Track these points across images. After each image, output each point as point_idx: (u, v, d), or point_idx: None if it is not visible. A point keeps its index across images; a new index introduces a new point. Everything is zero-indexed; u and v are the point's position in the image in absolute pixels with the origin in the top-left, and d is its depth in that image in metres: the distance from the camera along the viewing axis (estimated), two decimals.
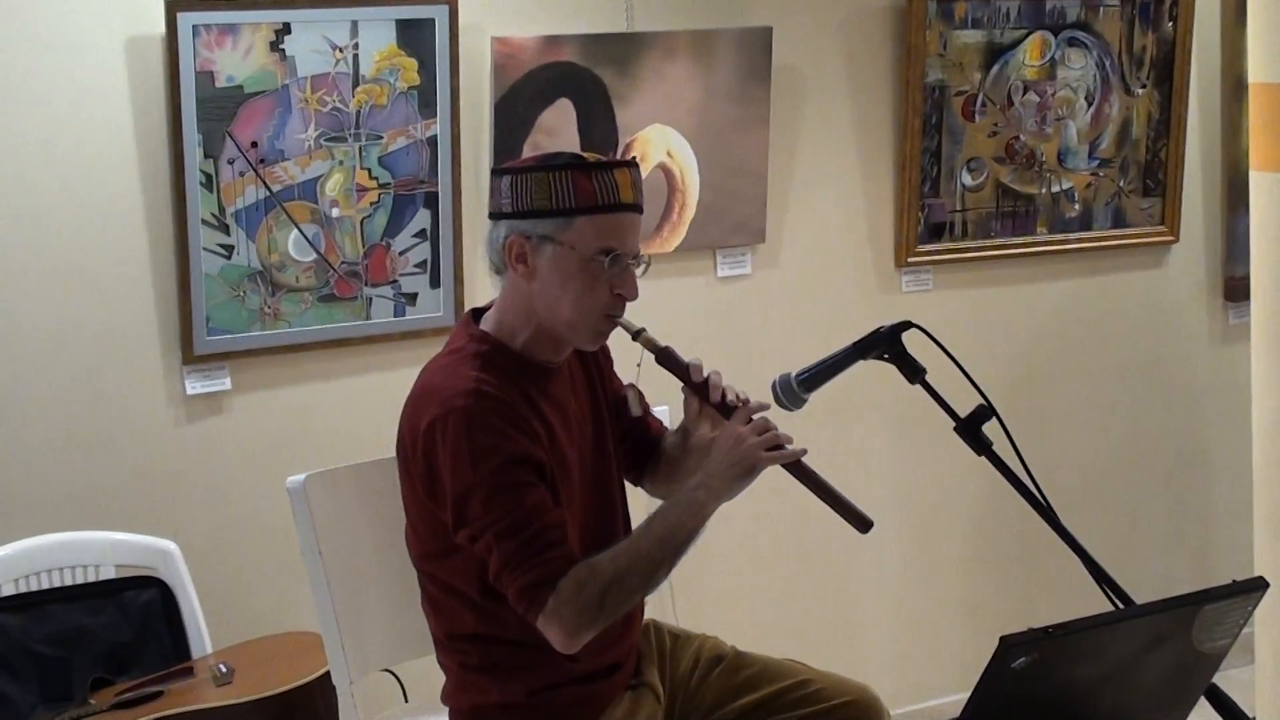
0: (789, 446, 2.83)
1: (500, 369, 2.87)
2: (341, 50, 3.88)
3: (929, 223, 4.73)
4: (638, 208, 2.90)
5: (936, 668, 5.01)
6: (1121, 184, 4.99)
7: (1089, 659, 2.25)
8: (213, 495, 3.97)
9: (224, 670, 3.57)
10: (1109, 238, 5.01)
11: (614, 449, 3.08)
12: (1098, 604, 5.11)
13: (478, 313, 3.02)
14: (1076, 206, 4.94)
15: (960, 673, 5.02)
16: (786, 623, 4.74)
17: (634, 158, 3.00)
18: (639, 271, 2.92)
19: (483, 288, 4.15)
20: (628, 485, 3.15)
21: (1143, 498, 5.24)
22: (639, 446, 3.14)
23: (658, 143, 4.29)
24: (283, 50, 3.82)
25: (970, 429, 2.75)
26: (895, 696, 4.79)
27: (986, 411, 2.75)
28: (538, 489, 2.79)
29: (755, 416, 2.85)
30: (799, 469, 2.85)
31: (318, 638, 3.62)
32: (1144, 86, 4.95)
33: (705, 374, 2.94)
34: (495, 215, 2.92)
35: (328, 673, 3.34)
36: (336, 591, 3.09)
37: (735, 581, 4.63)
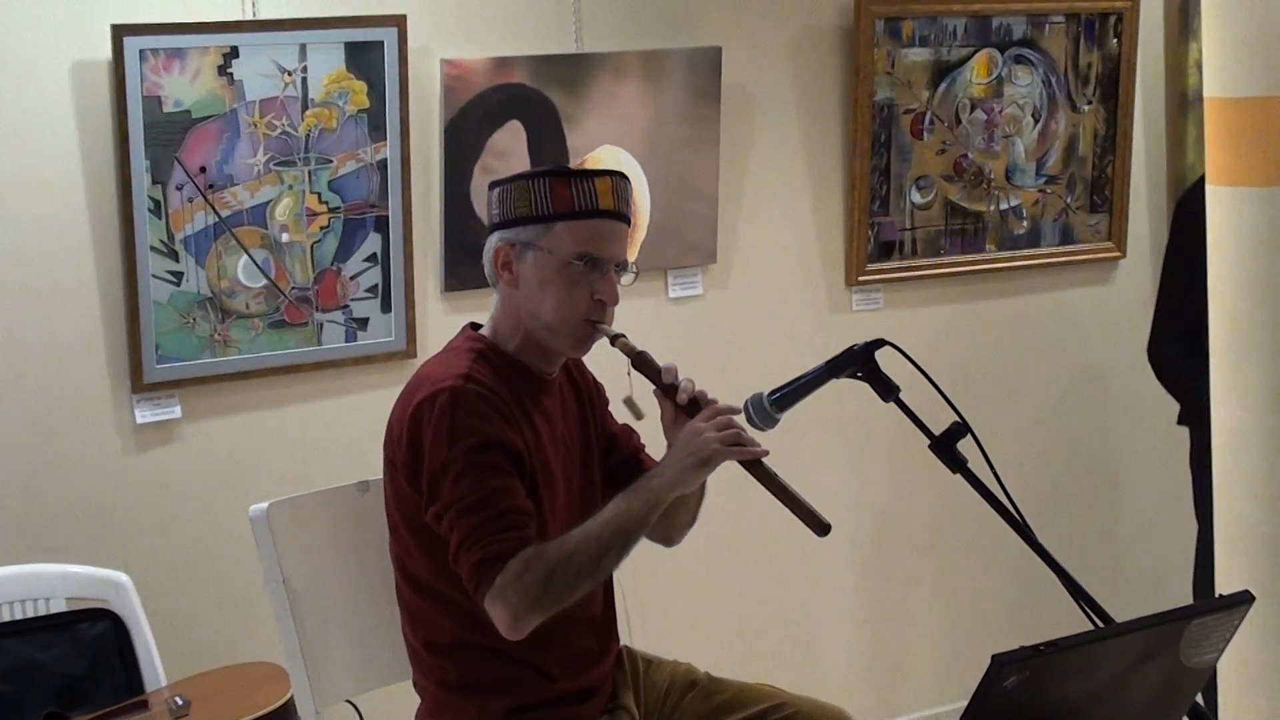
0: (749, 446, 2.84)
1: (494, 367, 2.92)
2: (290, 74, 3.85)
3: (879, 241, 4.74)
4: (619, 215, 2.95)
5: (895, 684, 5.00)
6: (1069, 200, 5.01)
7: (1079, 676, 2.25)
8: (165, 525, 3.92)
9: (180, 703, 3.51)
10: (1057, 254, 5.03)
11: (600, 482, 3.09)
12: (1050, 615, 5.15)
13: (476, 325, 3.08)
14: (1024, 223, 4.96)
15: (918, 688, 5.04)
16: (744, 643, 4.72)
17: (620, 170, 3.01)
18: (626, 280, 2.98)
19: (434, 312, 4.13)
20: None
21: (1090, 510, 5.26)
22: (630, 481, 3.11)
23: (608, 163, 4.27)
24: (230, 74, 3.78)
25: (945, 446, 2.74)
26: (856, 714, 4.78)
27: (961, 429, 2.74)
28: (510, 476, 2.81)
29: (722, 416, 2.86)
30: (759, 469, 2.86)
31: (275, 668, 3.59)
32: (1090, 103, 4.97)
33: (679, 379, 2.96)
34: (488, 228, 2.99)
35: (286, 704, 3.30)
36: (301, 621, 3.04)
37: (690, 601, 4.61)
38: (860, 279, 4.73)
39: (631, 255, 4.34)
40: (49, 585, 3.72)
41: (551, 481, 2.95)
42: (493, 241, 2.96)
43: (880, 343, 2.89)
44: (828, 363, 2.93)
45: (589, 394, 3.15)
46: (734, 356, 4.58)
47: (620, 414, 3.16)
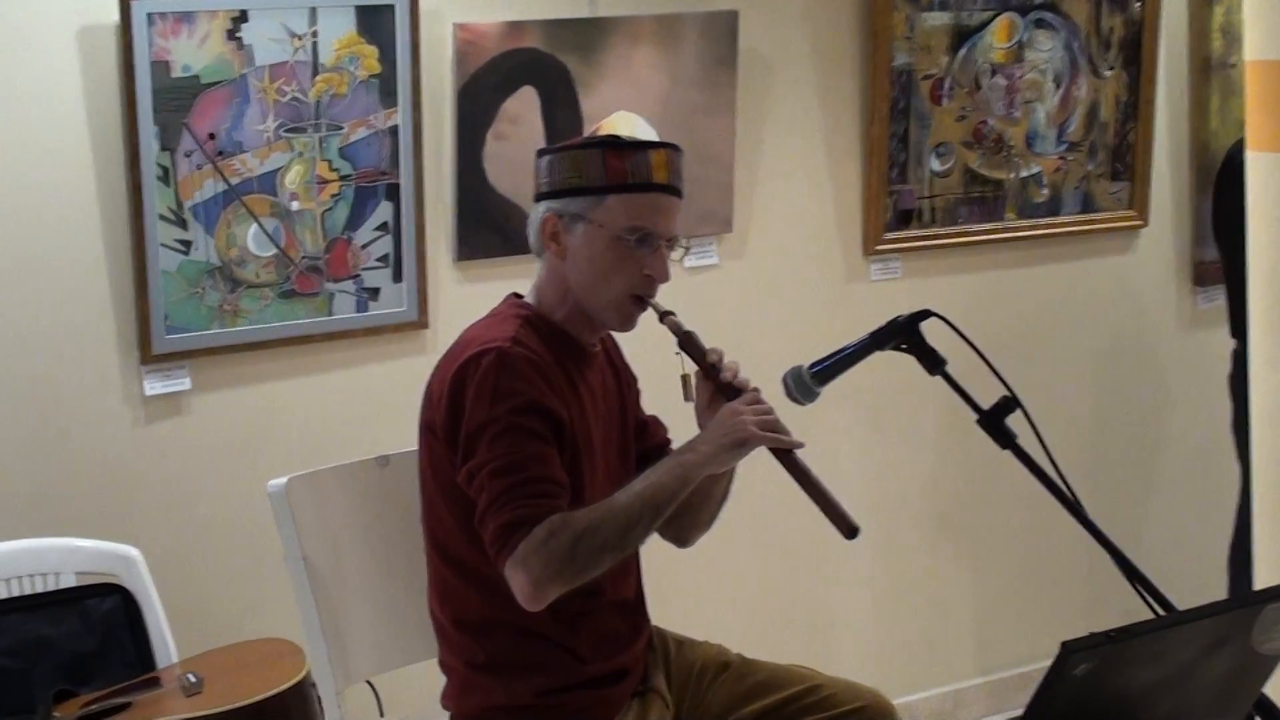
0: (786, 436, 2.77)
1: (540, 335, 2.87)
2: (300, 38, 3.77)
3: (897, 210, 4.66)
4: (673, 189, 2.88)
5: (910, 662, 4.95)
6: (1090, 168, 4.94)
7: (1148, 663, 2.17)
8: (175, 499, 3.85)
9: (193, 680, 3.44)
10: (1078, 223, 4.96)
11: (634, 459, 3.03)
12: (1068, 593, 5.11)
13: (518, 295, 3.02)
14: (1045, 191, 4.88)
15: (934, 667, 4.98)
16: (764, 622, 4.66)
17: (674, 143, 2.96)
18: (677, 255, 2.93)
19: (447, 282, 4.07)
20: None
21: (1109, 483, 5.20)
22: None
23: (623, 130, 4.18)
24: (240, 39, 3.70)
25: (994, 422, 2.67)
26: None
27: (1010, 403, 2.66)
28: (548, 444, 2.75)
29: (762, 402, 2.81)
30: (791, 461, 2.79)
31: (288, 644, 3.51)
32: (1112, 69, 4.90)
33: (723, 358, 2.90)
34: (536, 197, 2.93)
35: (302, 680, 3.23)
36: (322, 599, 2.98)
37: (708, 580, 4.54)
38: (878, 248, 4.66)
39: None
40: (58, 560, 3.65)
41: (593, 455, 2.89)
42: (539, 211, 2.90)
43: (926, 314, 2.81)
44: (871, 334, 2.86)
45: (625, 375, 3.10)
46: (750, 327, 4.51)
47: (656, 402, 3.08)
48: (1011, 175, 4.81)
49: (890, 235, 4.66)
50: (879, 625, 4.89)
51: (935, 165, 4.69)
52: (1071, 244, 4.99)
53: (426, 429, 2.86)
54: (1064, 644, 2.06)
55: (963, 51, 4.65)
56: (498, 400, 2.73)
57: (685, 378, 2.95)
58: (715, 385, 2.88)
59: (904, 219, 4.68)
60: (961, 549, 4.99)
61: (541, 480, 2.71)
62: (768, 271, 4.55)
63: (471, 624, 2.86)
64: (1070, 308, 5.05)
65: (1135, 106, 4.95)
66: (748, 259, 4.52)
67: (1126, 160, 4.98)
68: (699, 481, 2.84)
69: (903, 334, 2.81)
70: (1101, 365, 5.14)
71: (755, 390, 2.86)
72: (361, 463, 3.10)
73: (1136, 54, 4.91)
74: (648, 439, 3.10)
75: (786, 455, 2.79)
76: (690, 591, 4.50)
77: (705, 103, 4.31)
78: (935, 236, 4.73)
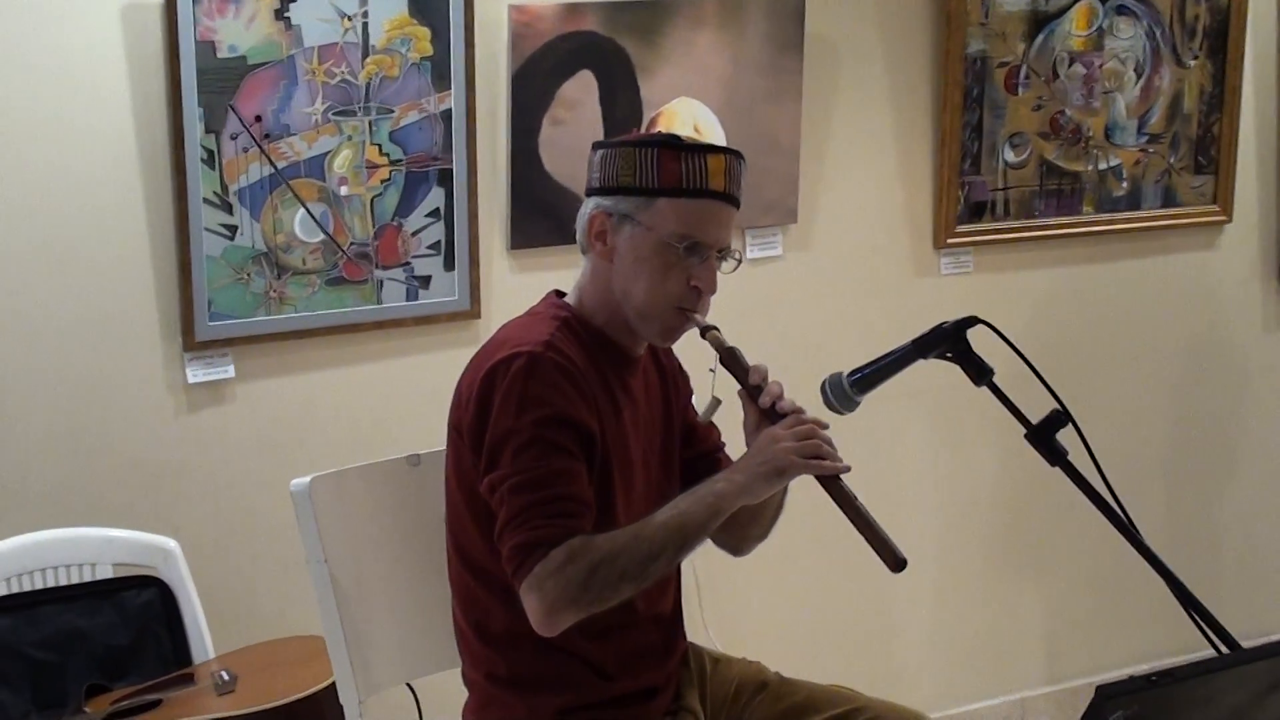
0: (830, 461, 2.61)
1: (578, 339, 2.73)
2: (350, 19, 3.67)
3: (969, 202, 4.51)
4: (729, 198, 2.72)
5: (977, 670, 4.81)
6: (1172, 161, 4.77)
7: (1195, 709, 2.01)
8: (215, 490, 3.77)
9: (226, 677, 3.37)
10: (1158, 217, 4.80)
11: (678, 468, 2.89)
12: (1140, 602, 4.95)
13: (559, 293, 2.89)
14: (1124, 184, 4.72)
15: (1000, 675, 4.84)
16: (818, 626, 4.55)
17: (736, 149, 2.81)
18: (728, 268, 2.76)
19: (499, 271, 3.96)
20: None
21: (1187, 489, 5.03)
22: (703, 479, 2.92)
23: (684, 117, 4.08)
24: (288, 18, 3.61)
25: (1043, 437, 2.52)
26: (933, 700, 4.61)
27: (1061, 418, 2.51)
28: (575, 460, 2.61)
29: (805, 425, 2.64)
30: (836, 488, 2.63)
31: (325, 643, 3.43)
32: (1196, 57, 4.73)
33: (767, 380, 2.73)
34: (587, 191, 2.79)
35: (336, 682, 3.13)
36: (344, 603, 2.86)
37: (761, 586, 4.42)
38: (949, 241, 4.51)
39: None
40: (95, 550, 3.60)
41: (630, 469, 2.75)
42: (589, 207, 2.76)
43: (972, 320, 2.65)
44: (914, 341, 2.70)
45: (674, 377, 2.94)
46: (813, 322, 4.39)
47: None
48: (1089, 167, 4.66)
49: (962, 228, 4.52)
50: (944, 631, 4.75)
51: (1009, 156, 4.53)
52: (1151, 240, 4.83)
53: (454, 430, 2.74)
54: (1099, 689, 1.91)
55: (1040, 39, 4.50)
56: (525, 409, 2.59)
57: (715, 401, 2.80)
58: (757, 408, 2.73)
59: (976, 211, 4.53)
60: (1030, 554, 4.84)
61: (564, 499, 2.57)
62: (833, 265, 4.42)
63: (493, 635, 2.73)
64: (1149, 306, 4.90)
65: (1220, 97, 4.79)
66: (813, 251, 4.39)
67: (1210, 153, 4.82)
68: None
69: (948, 342, 2.65)
70: (1181, 366, 4.98)
71: (799, 412, 2.69)
72: (390, 462, 2.97)
73: (1222, 42, 4.75)
74: (696, 445, 2.96)
75: (831, 482, 2.63)
76: (751, 600, 4.40)
77: (770, 89, 4.18)
78: (1008, 230, 4.58)
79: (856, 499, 2.61)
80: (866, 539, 2.60)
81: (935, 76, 4.44)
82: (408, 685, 3.26)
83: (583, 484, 2.61)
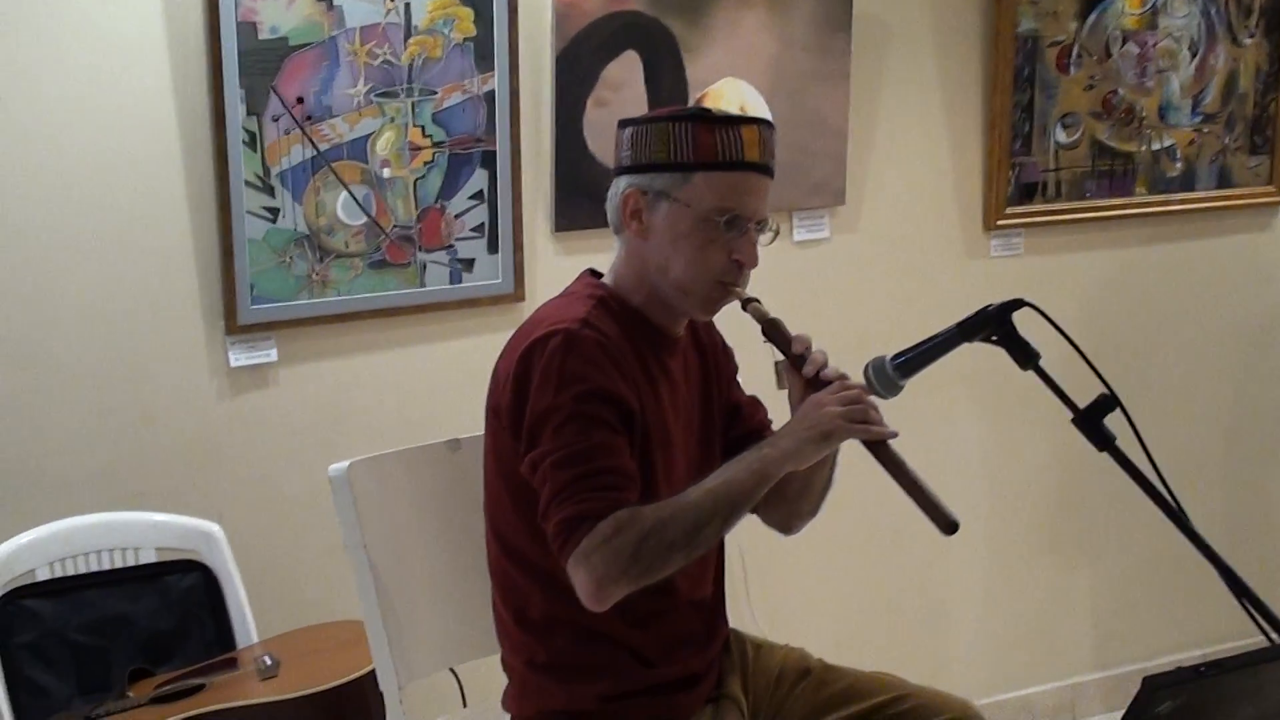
0: (877, 425, 2.57)
1: (616, 318, 2.69)
2: None
3: (1020, 183, 4.46)
4: (765, 169, 2.68)
5: (1028, 655, 4.76)
6: (1227, 141, 4.70)
7: (1245, 700, 1.97)
8: (258, 473, 3.75)
9: (270, 662, 3.35)
10: (1213, 198, 4.73)
11: (719, 450, 2.84)
12: (1193, 588, 4.88)
13: (594, 273, 2.85)
14: (1178, 165, 4.65)
15: (1051, 661, 4.79)
16: (866, 612, 4.51)
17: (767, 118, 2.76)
18: (766, 239, 2.72)
19: (544, 253, 3.93)
20: None
21: (1244, 472, 4.96)
22: None
23: (730, 98, 4.02)
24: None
25: (1091, 421, 2.46)
26: (984, 686, 4.56)
27: (1109, 402, 2.45)
28: (616, 434, 2.57)
29: (851, 390, 2.60)
30: (884, 453, 2.58)
31: None
32: (1252, 36, 4.67)
33: (810, 348, 2.69)
34: (616, 170, 2.76)
35: None
36: (384, 589, 2.83)
37: (809, 572, 4.38)
38: (999, 223, 4.45)
39: None
40: (138, 535, 3.58)
41: (670, 449, 2.71)
42: (620, 186, 2.72)
43: (1018, 303, 2.60)
44: (958, 325, 2.65)
45: (715, 357, 2.89)
46: (861, 304, 4.34)
47: (752, 383, 2.93)
48: (1142, 148, 4.59)
49: (1012, 210, 4.46)
50: (995, 617, 4.70)
51: (1061, 137, 4.47)
52: (1206, 221, 4.76)
53: (492, 412, 2.71)
54: (1146, 679, 1.87)
55: (1092, 17, 4.44)
56: (564, 386, 2.55)
57: (779, 365, 2.76)
58: (802, 377, 2.69)
59: (1027, 193, 4.47)
60: (1082, 539, 4.78)
61: (608, 472, 2.53)
62: (882, 246, 4.37)
63: (533, 621, 2.70)
64: (1204, 288, 4.83)
65: (1277, 75, 4.73)
66: (861, 233, 4.34)
67: (1266, 133, 4.75)
68: (794, 472, 2.66)
69: (992, 325, 2.60)
70: (1235, 350, 4.91)
71: (844, 378, 2.65)
72: (429, 446, 2.95)
73: (1279, 20, 4.65)
74: (741, 423, 2.91)
75: (879, 447, 2.58)
76: (798, 586, 4.36)
77: (818, 69, 4.13)
78: (1060, 211, 4.52)
79: (905, 462, 2.57)
80: (916, 502, 2.55)
81: (986, 56, 4.38)
82: (451, 670, 3.24)
83: (625, 457, 2.57)
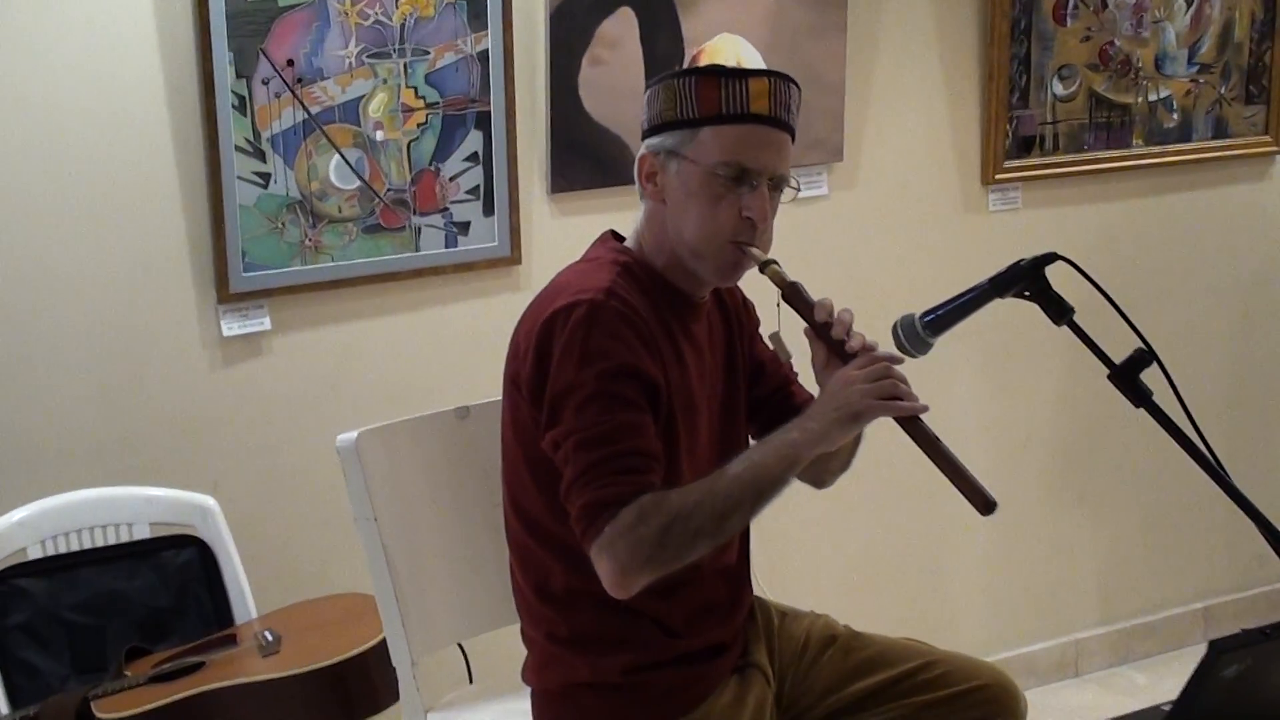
0: (908, 401, 2.50)
1: (640, 285, 2.61)
2: None
3: (1017, 136, 4.40)
4: (777, 121, 2.60)
5: (1029, 613, 4.72)
6: (1223, 91, 4.65)
7: None
8: (253, 445, 3.67)
9: (270, 638, 3.28)
10: (1210, 149, 4.69)
11: (743, 413, 2.78)
12: (1193, 541, 4.86)
13: (616, 236, 2.76)
14: (1175, 116, 4.60)
15: (1053, 617, 4.76)
16: (868, 572, 4.46)
17: (782, 71, 2.69)
18: (787, 197, 2.65)
19: (540, 215, 3.86)
20: None
21: (1247, 424, 4.93)
22: (778, 418, 2.79)
23: (727, 54, 3.96)
24: None
25: (1127, 377, 2.41)
26: (985, 645, 4.52)
27: (1146, 357, 2.40)
28: (642, 412, 2.49)
29: (878, 364, 2.53)
30: (916, 429, 2.51)
31: (371, 600, 3.34)
32: None
33: (833, 314, 2.62)
34: (641, 136, 2.68)
35: (383, 641, 3.06)
36: (394, 562, 2.76)
37: (811, 533, 4.33)
38: (998, 177, 4.40)
39: None
40: (132, 510, 3.51)
41: (695, 420, 2.64)
42: (641, 150, 2.66)
43: (1051, 257, 2.54)
44: (990, 280, 2.58)
45: (737, 314, 2.82)
46: (861, 261, 4.28)
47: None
48: (1139, 99, 4.54)
49: (1010, 164, 4.41)
50: (997, 574, 4.67)
51: (1058, 89, 4.41)
52: (1203, 172, 4.72)
53: (511, 383, 2.62)
54: (1212, 643, 1.82)
55: None
56: (587, 361, 2.47)
57: (775, 336, 2.70)
58: (827, 345, 2.62)
59: (1025, 146, 4.41)
60: (1084, 495, 4.75)
61: (632, 454, 2.46)
62: (880, 203, 4.31)
63: (554, 594, 2.63)
64: (1202, 239, 4.79)
65: (1272, 24, 4.68)
66: (859, 189, 4.27)
67: (1262, 82, 4.71)
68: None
69: (1026, 279, 2.54)
70: (1235, 300, 4.88)
71: (870, 349, 2.58)
72: (438, 414, 2.87)
73: None
74: (766, 380, 2.84)
75: (912, 423, 2.52)
76: (801, 546, 4.31)
77: (813, 23, 4.06)
78: (1058, 165, 4.47)
79: (939, 440, 2.51)
80: (952, 481, 2.50)
81: (982, 7, 4.32)
82: (459, 646, 3.18)
83: (650, 437, 2.49)
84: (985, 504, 2.48)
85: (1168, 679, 4.66)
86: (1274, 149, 4.77)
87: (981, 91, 4.36)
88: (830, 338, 2.60)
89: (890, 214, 4.33)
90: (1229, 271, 4.85)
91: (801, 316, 2.64)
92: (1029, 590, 4.72)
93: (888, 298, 4.00)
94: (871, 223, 4.31)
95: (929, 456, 2.50)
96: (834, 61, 4.10)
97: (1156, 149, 4.60)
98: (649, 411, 2.51)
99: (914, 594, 4.53)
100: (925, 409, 2.51)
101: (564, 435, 2.48)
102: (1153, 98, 4.55)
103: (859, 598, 4.33)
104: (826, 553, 4.41)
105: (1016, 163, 4.41)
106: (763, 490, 2.49)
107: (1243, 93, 4.69)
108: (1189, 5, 4.54)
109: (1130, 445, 4.72)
